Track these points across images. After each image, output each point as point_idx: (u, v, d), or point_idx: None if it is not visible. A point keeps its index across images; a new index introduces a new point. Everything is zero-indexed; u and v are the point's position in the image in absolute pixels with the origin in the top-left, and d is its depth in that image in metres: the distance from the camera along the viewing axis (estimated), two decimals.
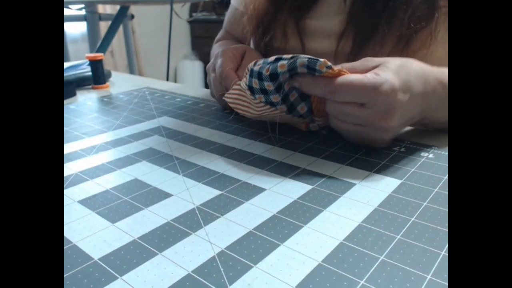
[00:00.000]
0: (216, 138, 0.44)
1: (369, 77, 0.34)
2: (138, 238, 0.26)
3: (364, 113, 0.35)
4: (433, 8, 0.45)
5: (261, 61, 0.37)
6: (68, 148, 0.42)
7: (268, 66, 0.36)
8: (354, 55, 0.48)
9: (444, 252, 0.24)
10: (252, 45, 0.62)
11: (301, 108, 0.40)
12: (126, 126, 0.49)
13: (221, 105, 0.56)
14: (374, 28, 0.47)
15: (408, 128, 0.45)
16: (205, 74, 3.39)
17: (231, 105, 0.42)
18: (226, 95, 0.42)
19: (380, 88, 0.33)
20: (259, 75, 0.36)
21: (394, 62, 0.36)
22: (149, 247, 0.25)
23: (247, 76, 0.38)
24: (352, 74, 0.35)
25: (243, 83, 0.39)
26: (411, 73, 0.36)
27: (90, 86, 0.72)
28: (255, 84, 0.37)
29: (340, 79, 0.35)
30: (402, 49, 0.45)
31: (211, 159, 0.38)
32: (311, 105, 0.39)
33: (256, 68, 0.37)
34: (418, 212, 0.28)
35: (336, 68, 0.35)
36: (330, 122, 0.39)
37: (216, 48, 0.65)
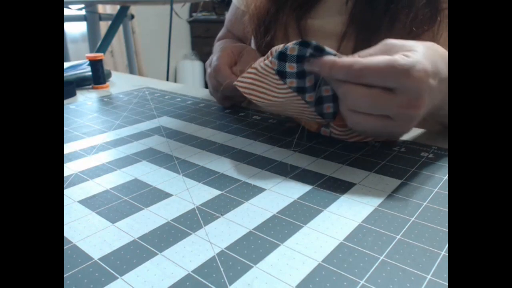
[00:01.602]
0: (216, 138, 0.44)
1: (398, 59, 0.31)
2: (138, 238, 0.26)
3: (393, 100, 0.31)
4: (435, 11, 0.45)
5: (294, 45, 0.34)
6: (68, 148, 0.42)
7: (309, 50, 0.34)
8: None
9: (444, 252, 0.24)
10: (253, 44, 0.62)
11: (327, 107, 0.38)
12: (126, 126, 0.49)
13: (219, 103, 0.56)
14: (375, 30, 0.46)
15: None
16: (205, 74, 3.38)
17: (242, 89, 0.39)
18: (238, 80, 0.40)
19: (411, 71, 0.30)
20: (298, 58, 0.34)
21: (420, 45, 0.33)
22: (149, 247, 0.25)
23: (276, 60, 0.35)
24: (379, 56, 0.32)
25: (262, 66, 0.37)
26: (438, 57, 0.34)
27: (90, 86, 0.72)
28: (291, 68, 0.35)
29: (367, 60, 0.31)
30: None
31: (211, 159, 0.38)
32: (337, 109, 0.37)
33: (293, 52, 0.34)
34: (418, 212, 0.28)
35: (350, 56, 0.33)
36: (348, 119, 0.35)
37: (217, 47, 0.65)
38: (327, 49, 0.34)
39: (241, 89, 0.39)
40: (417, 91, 0.31)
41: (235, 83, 0.39)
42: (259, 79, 0.38)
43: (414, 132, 0.43)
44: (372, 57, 0.32)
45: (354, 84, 0.33)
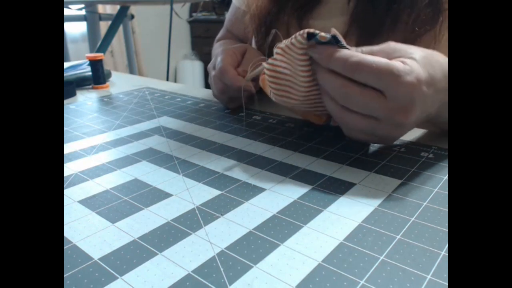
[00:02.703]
0: (216, 138, 0.44)
1: (395, 63, 0.31)
2: (138, 238, 0.26)
3: (383, 103, 0.32)
4: (437, 12, 0.44)
5: (326, 34, 0.33)
6: (68, 148, 0.42)
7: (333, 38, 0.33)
8: None
9: (444, 252, 0.24)
10: (253, 44, 0.62)
11: None
12: (126, 126, 0.49)
13: (225, 106, 0.56)
14: (377, 30, 0.46)
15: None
16: (205, 74, 3.40)
17: (272, 85, 0.37)
18: (267, 63, 0.37)
19: (404, 78, 0.31)
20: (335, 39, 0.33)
21: (420, 53, 0.34)
22: (149, 247, 0.25)
23: (305, 35, 0.34)
24: (378, 57, 0.32)
25: (288, 44, 0.35)
26: (437, 67, 0.34)
27: (90, 86, 0.72)
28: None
29: (365, 56, 0.32)
30: None
31: (211, 159, 0.38)
32: None
33: (324, 39, 0.33)
34: (418, 212, 0.28)
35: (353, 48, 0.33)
36: (338, 118, 0.35)
37: (217, 47, 0.65)
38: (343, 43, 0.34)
39: (268, 77, 0.37)
40: (407, 98, 0.31)
41: (264, 64, 0.38)
42: (284, 65, 0.36)
43: (414, 132, 0.43)
44: (371, 55, 0.32)
45: (348, 80, 0.33)
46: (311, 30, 0.34)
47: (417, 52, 0.34)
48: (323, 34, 0.34)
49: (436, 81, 0.33)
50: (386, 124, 0.33)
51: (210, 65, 0.54)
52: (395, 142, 0.40)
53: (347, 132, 0.37)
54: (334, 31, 0.35)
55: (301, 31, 0.34)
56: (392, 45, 0.35)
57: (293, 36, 0.35)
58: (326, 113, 0.40)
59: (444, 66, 0.35)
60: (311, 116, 0.42)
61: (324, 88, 0.35)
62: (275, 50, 0.37)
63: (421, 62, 0.33)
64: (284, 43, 0.36)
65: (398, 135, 0.35)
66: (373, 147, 0.40)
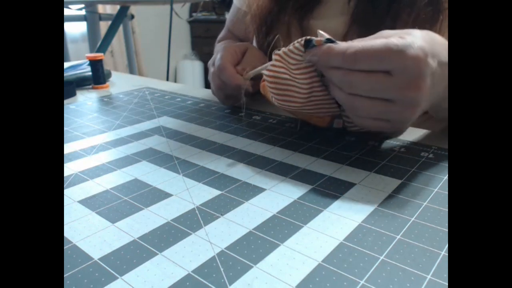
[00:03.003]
0: (216, 138, 0.44)
1: (393, 40, 0.30)
2: (138, 238, 0.26)
3: (392, 82, 0.30)
4: (437, 11, 0.44)
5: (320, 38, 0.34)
6: (68, 148, 0.42)
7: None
8: None
9: (444, 252, 0.24)
10: (254, 44, 0.62)
11: None
12: (126, 126, 0.49)
13: (221, 103, 0.56)
14: (378, 30, 0.46)
15: (408, 128, 0.45)
16: (205, 74, 3.40)
17: (269, 84, 0.38)
18: (266, 71, 0.38)
19: (408, 51, 0.29)
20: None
21: (415, 31, 0.33)
22: (149, 247, 0.25)
23: (303, 42, 0.35)
24: (373, 40, 0.31)
25: (285, 51, 0.36)
26: (436, 41, 0.33)
27: (90, 86, 0.72)
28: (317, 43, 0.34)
29: (361, 43, 0.31)
30: None
31: (211, 159, 0.38)
32: None
33: (319, 43, 0.34)
34: (418, 212, 0.28)
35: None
36: (348, 106, 0.34)
37: (218, 47, 0.65)
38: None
39: (268, 83, 0.38)
40: (415, 70, 0.30)
41: (264, 71, 0.38)
42: (283, 70, 0.37)
43: (414, 132, 0.43)
44: (367, 41, 0.31)
45: (351, 70, 0.32)
46: (308, 38, 0.35)
47: (413, 30, 0.33)
48: (318, 38, 0.34)
49: (438, 53, 0.32)
50: (398, 104, 0.32)
51: (210, 62, 0.55)
52: (395, 142, 0.40)
53: (358, 121, 0.36)
54: (321, 33, 0.35)
55: (300, 39, 0.35)
56: (384, 32, 0.34)
57: (291, 44, 0.36)
58: (329, 115, 0.40)
59: (443, 41, 0.34)
60: (314, 118, 0.42)
61: (331, 80, 0.35)
62: (273, 56, 0.37)
63: (419, 36, 0.31)
64: (282, 50, 0.37)
65: (411, 116, 0.33)
66: (373, 147, 0.40)
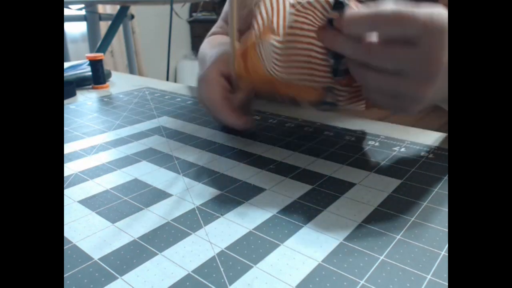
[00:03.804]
0: (216, 138, 0.44)
1: (419, 7, 0.28)
2: (138, 238, 0.26)
3: (412, 52, 0.29)
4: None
5: None
6: (68, 148, 0.42)
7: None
8: None
9: (444, 252, 0.24)
10: None
11: (344, 63, 0.34)
12: (126, 126, 0.49)
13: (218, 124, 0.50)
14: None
15: (408, 128, 0.45)
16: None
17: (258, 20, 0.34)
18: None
19: (436, 18, 0.28)
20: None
21: (439, 4, 0.30)
22: (149, 247, 0.25)
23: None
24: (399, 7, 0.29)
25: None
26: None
27: (90, 86, 0.72)
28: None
29: (389, 9, 0.29)
30: None
31: (211, 159, 0.38)
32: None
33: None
34: (418, 212, 0.28)
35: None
36: (358, 77, 0.33)
37: (207, 46, 0.59)
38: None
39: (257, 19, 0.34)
40: (439, 42, 0.28)
41: (289, 10, 0.34)
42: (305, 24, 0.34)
43: (414, 132, 0.43)
44: (394, 6, 0.29)
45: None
46: None
47: (435, 3, 0.30)
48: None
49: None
50: (413, 79, 0.30)
51: (199, 56, 0.51)
52: (395, 142, 0.40)
53: (368, 94, 0.34)
54: None
55: None
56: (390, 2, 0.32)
57: None
58: (323, 86, 0.37)
59: None
60: (304, 92, 0.38)
61: (343, 48, 0.33)
62: (291, 10, 0.34)
63: (443, 10, 0.29)
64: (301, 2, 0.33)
65: (424, 94, 0.31)
66: (373, 147, 0.40)
